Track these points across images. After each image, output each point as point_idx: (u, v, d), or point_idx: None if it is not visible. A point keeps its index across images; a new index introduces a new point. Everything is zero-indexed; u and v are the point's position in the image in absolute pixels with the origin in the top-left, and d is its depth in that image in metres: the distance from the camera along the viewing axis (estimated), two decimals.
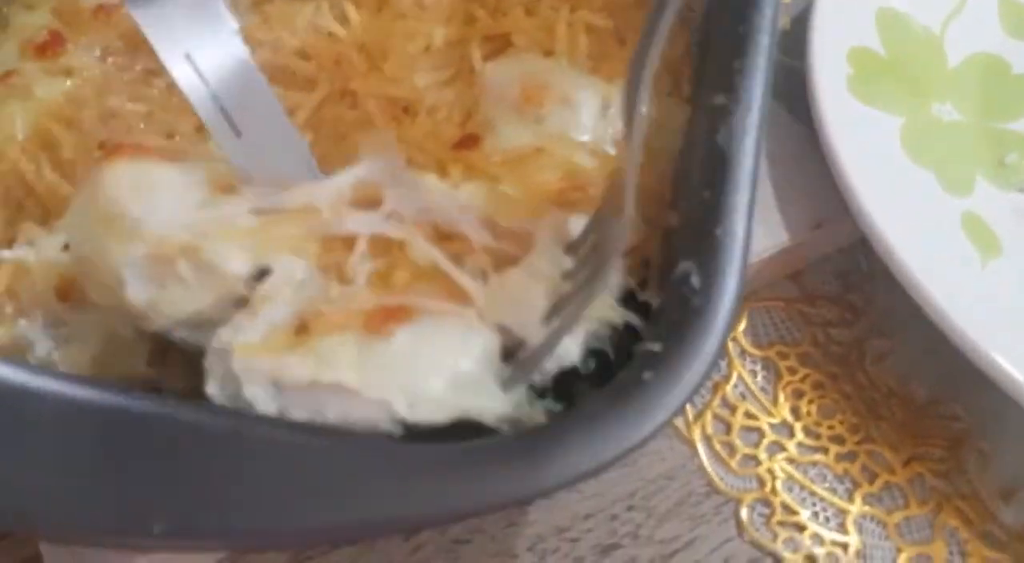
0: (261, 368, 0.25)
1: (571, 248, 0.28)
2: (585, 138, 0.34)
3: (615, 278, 0.28)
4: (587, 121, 0.35)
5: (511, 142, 0.34)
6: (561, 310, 0.26)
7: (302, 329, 0.25)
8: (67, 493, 0.22)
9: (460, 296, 0.26)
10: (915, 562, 0.35)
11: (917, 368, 0.39)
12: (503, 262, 0.27)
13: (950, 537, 0.35)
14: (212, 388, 0.25)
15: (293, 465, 0.23)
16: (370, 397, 0.24)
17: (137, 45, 0.38)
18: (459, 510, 0.22)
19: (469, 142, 0.34)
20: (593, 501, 0.35)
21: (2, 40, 0.39)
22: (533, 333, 0.25)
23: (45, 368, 0.28)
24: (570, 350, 0.26)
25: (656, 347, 0.25)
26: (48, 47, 0.38)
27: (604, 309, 0.27)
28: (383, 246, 0.27)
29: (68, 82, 0.37)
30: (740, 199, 0.27)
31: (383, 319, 0.25)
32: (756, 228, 0.38)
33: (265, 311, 0.26)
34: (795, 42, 0.43)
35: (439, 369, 0.24)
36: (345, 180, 0.29)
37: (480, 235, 0.27)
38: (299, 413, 0.24)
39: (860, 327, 0.40)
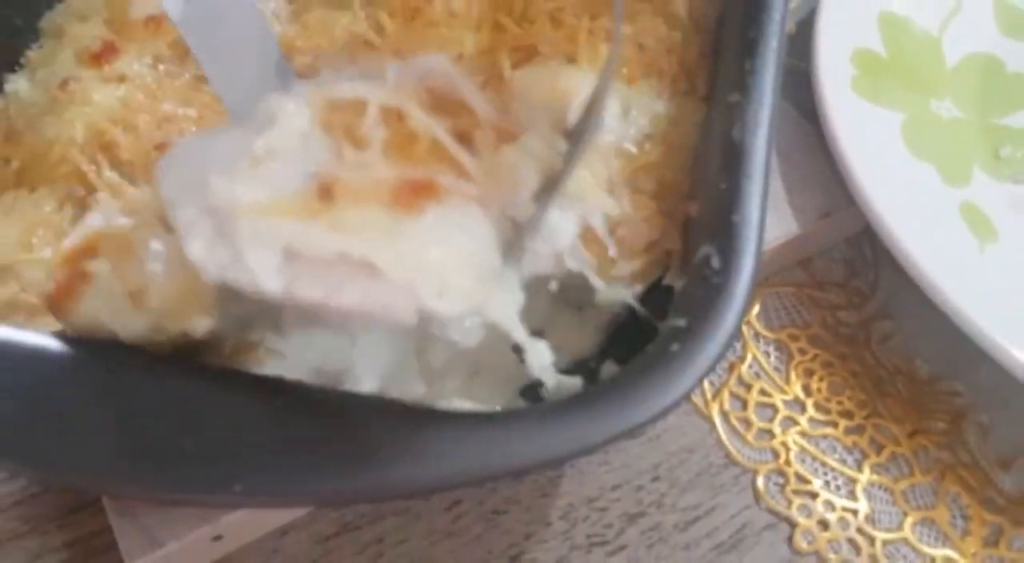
0: (276, 233, 0.21)
1: (567, 135, 0.27)
2: (609, 140, 0.37)
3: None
4: (610, 123, 0.37)
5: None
6: (551, 188, 0.24)
7: (325, 194, 0.22)
8: (157, 455, 0.25)
9: (463, 175, 0.24)
10: (920, 526, 0.37)
11: (920, 347, 0.42)
12: (501, 140, 0.26)
13: (953, 503, 0.38)
14: (196, 250, 0.22)
15: (363, 427, 0.25)
16: (397, 280, 0.21)
17: (185, 53, 0.41)
18: (508, 467, 0.25)
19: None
20: (620, 473, 0.38)
21: (58, 49, 0.42)
22: (524, 211, 0.24)
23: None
24: (563, 229, 0.26)
25: (682, 322, 0.27)
26: (102, 56, 0.41)
27: (597, 194, 0.28)
28: (385, 117, 0.25)
29: (123, 88, 0.40)
30: (754, 187, 0.30)
31: (412, 194, 0.22)
32: (768, 218, 0.40)
33: (272, 166, 0.22)
34: (801, 45, 0.46)
35: (466, 256, 0.22)
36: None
37: (485, 108, 0.25)
38: (308, 292, 0.21)
39: (866, 310, 0.43)
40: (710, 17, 0.40)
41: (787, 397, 0.40)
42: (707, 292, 0.28)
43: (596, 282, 0.33)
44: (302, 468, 0.25)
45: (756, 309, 0.42)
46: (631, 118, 0.37)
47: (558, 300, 0.36)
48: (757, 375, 0.41)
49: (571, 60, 0.39)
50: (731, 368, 0.41)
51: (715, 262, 0.28)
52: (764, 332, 0.42)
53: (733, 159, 0.30)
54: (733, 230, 0.29)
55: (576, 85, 0.38)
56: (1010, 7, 0.52)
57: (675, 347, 0.26)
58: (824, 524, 0.37)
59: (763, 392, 0.40)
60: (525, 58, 0.39)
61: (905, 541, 0.37)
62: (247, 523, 0.35)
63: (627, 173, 0.36)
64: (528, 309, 0.36)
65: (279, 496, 0.26)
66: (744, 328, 0.42)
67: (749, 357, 0.41)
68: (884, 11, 0.48)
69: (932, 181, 0.42)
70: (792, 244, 0.42)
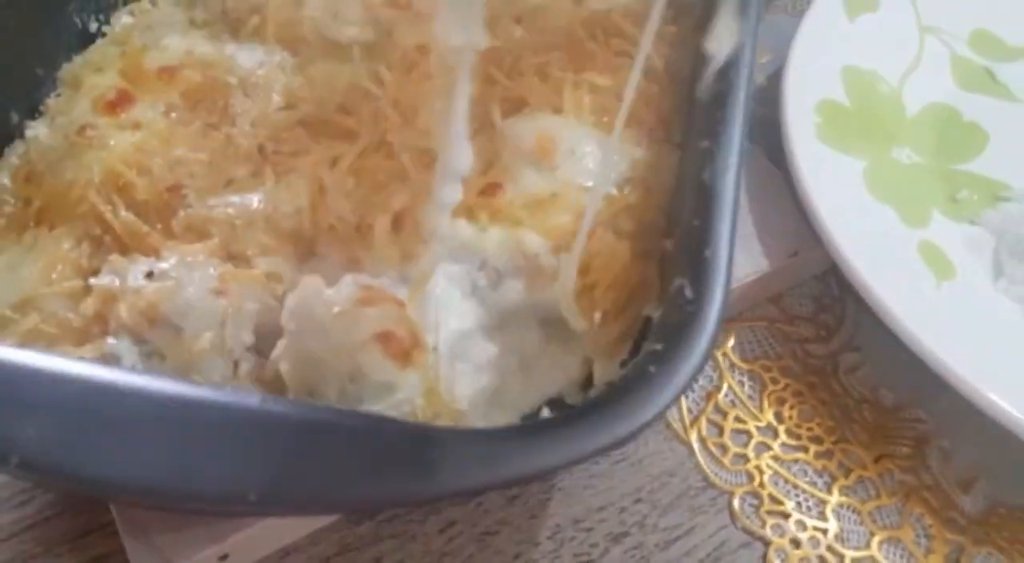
0: None
1: None
2: (592, 183, 0.40)
3: None
4: (593, 168, 0.40)
5: (529, 189, 0.40)
6: None
7: None
8: (178, 469, 0.27)
9: None
10: (887, 545, 0.39)
11: (884, 377, 0.44)
12: None
13: (916, 523, 0.40)
14: None
15: (366, 443, 0.27)
16: None
17: (196, 102, 0.44)
18: (507, 477, 0.27)
19: (492, 189, 0.40)
20: (604, 495, 0.40)
21: (76, 98, 0.44)
22: None
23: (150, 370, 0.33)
24: None
25: (658, 346, 0.30)
26: (118, 104, 0.43)
27: None
28: None
29: (137, 135, 0.42)
30: (723, 225, 0.32)
31: None
32: (739, 256, 0.43)
33: None
34: (772, 96, 0.49)
35: None
36: None
37: None
38: None
39: (834, 343, 0.45)
40: (684, 70, 0.44)
41: (760, 424, 0.42)
42: (681, 319, 0.30)
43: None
44: (311, 478, 0.27)
45: (731, 342, 0.45)
46: (612, 163, 0.40)
47: (548, 334, 0.39)
48: (732, 403, 0.43)
49: (557, 111, 0.42)
50: (708, 397, 0.43)
51: (688, 292, 0.31)
52: (739, 363, 0.44)
53: (704, 200, 0.33)
54: (704, 264, 0.31)
55: (560, 133, 0.41)
56: (966, 62, 0.56)
57: (652, 369, 0.29)
58: (796, 543, 0.39)
59: (738, 419, 0.42)
60: (514, 108, 0.42)
61: (872, 559, 0.39)
62: (252, 543, 0.36)
63: (609, 214, 0.39)
64: (521, 342, 0.39)
65: (288, 504, 0.28)
66: (720, 359, 0.44)
67: (725, 387, 0.43)
68: (848, 65, 0.52)
69: (892, 222, 0.45)
70: (763, 281, 0.44)
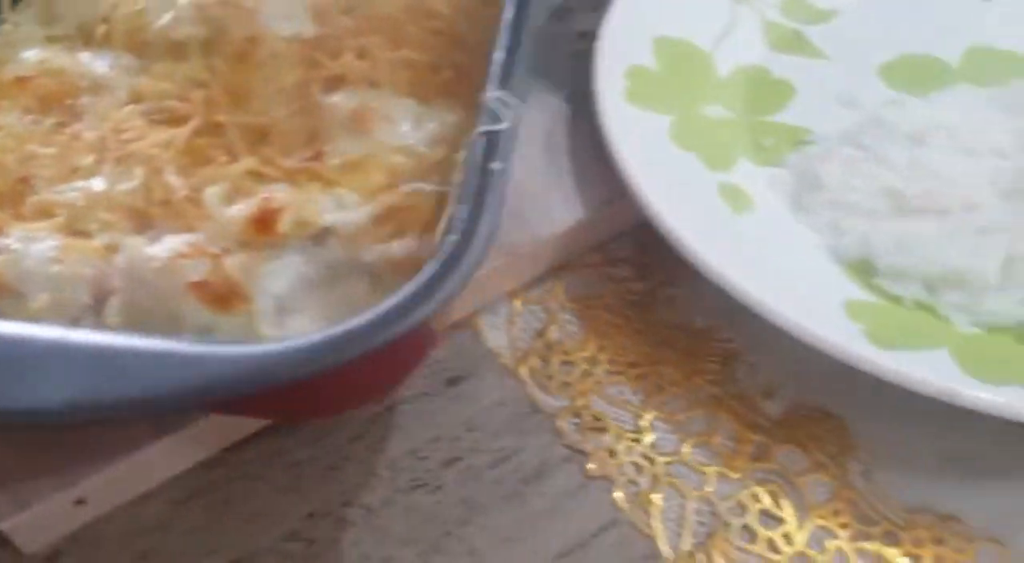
0: None
1: None
2: (403, 144, 0.44)
3: None
4: (405, 132, 0.45)
5: (347, 153, 0.44)
6: None
7: None
8: None
9: None
10: (696, 449, 0.43)
11: (697, 307, 0.48)
12: None
13: (723, 428, 0.44)
14: None
15: (147, 357, 0.31)
16: None
17: (49, 105, 0.48)
18: (293, 372, 0.31)
19: (314, 156, 0.44)
20: (438, 428, 0.44)
21: None
22: None
23: None
24: None
25: (435, 265, 0.34)
26: None
27: None
28: None
29: None
30: (497, 166, 0.37)
31: None
32: (559, 206, 0.48)
33: None
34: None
35: None
36: None
37: None
38: None
39: (652, 281, 0.50)
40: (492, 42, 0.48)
41: (584, 354, 0.47)
42: (456, 239, 0.35)
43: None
44: (105, 390, 0.31)
45: (558, 286, 0.49)
46: (422, 129, 0.45)
47: (373, 284, 0.43)
48: (559, 340, 0.47)
49: (374, 85, 0.46)
50: (537, 335, 0.47)
51: (464, 219, 0.35)
52: (566, 303, 0.49)
53: (485, 148, 0.38)
54: (478, 196, 0.36)
55: (376, 104, 0.45)
56: (777, 26, 0.61)
57: (425, 282, 0.33)
58: (612, 453, 0.43)
59: (564, 351, 0.47)
60: (336, 85, 0.47)
61: (683, 462, 0.43)
62: (106, 487, 0.40)
63: (420, 170, 0.43)
64: (350, 293, 0.43)
65: (87, 411, 0.31)
66: (549, 301, 0.49)
67: (552, 325, 0.48)
68: (659, 36, 0.57)
69: (696, 169, 0.50)
70: (581, 228, 0.49)
